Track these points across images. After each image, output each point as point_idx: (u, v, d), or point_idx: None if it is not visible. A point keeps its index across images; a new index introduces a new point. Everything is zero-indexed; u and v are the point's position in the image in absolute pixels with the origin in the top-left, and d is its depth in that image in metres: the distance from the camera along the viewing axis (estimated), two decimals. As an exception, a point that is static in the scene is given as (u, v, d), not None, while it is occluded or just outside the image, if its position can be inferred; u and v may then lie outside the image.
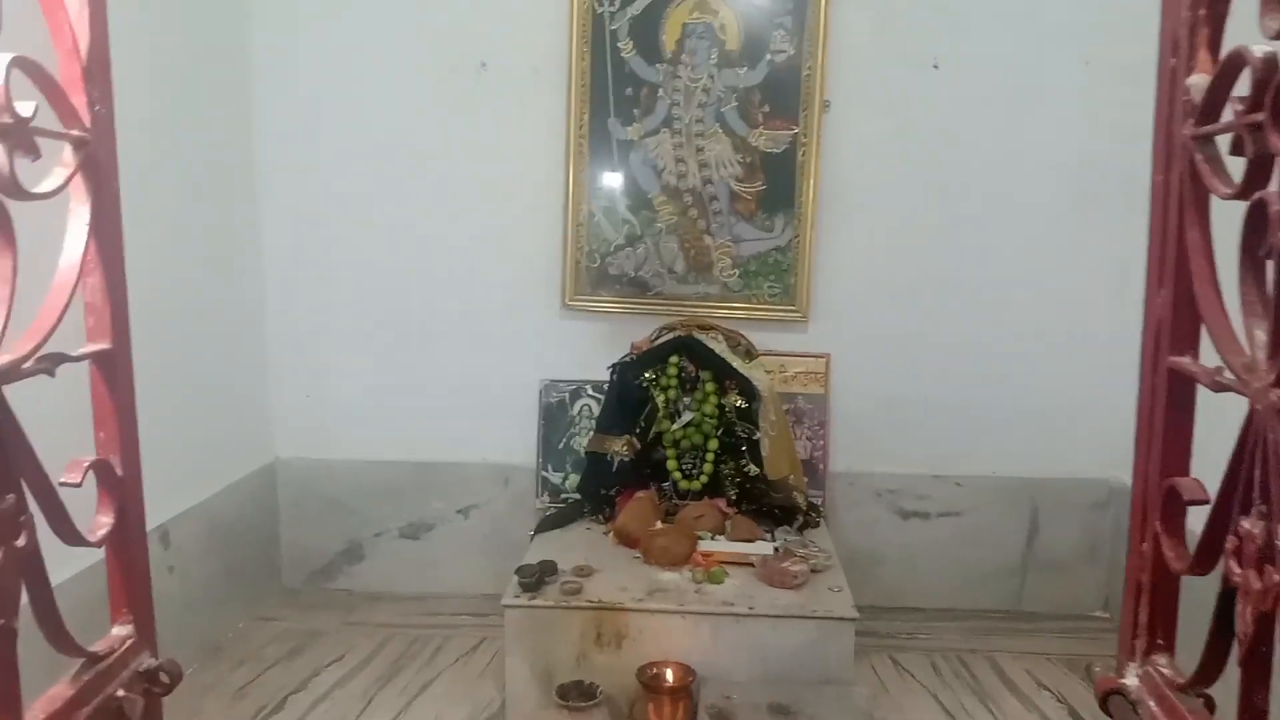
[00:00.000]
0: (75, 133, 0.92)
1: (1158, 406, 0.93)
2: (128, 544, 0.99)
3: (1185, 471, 0.93)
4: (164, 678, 0.99)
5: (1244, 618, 0.75)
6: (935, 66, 3.19)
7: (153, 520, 2.76)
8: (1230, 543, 0.77)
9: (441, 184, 3.33)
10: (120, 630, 0.99)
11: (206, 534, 3.03)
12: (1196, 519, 0.92)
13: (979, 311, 3.31)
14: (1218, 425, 0.98)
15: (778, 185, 3.26)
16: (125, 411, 0.99)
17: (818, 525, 3.16)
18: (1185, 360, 0.90)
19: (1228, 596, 0.79)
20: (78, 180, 0.93)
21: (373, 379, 3.44)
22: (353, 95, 3.30)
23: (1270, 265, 0.74)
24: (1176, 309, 0.91)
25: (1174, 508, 0.90)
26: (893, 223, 3.29)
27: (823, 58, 3.15)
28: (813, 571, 2.76)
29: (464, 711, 2.69)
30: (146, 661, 0.99)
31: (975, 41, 3.18)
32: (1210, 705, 0.92)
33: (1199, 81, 0.85)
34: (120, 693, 0.93)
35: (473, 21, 3.26)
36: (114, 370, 0.98)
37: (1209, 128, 0.84)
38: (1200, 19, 0.87)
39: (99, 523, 0.97)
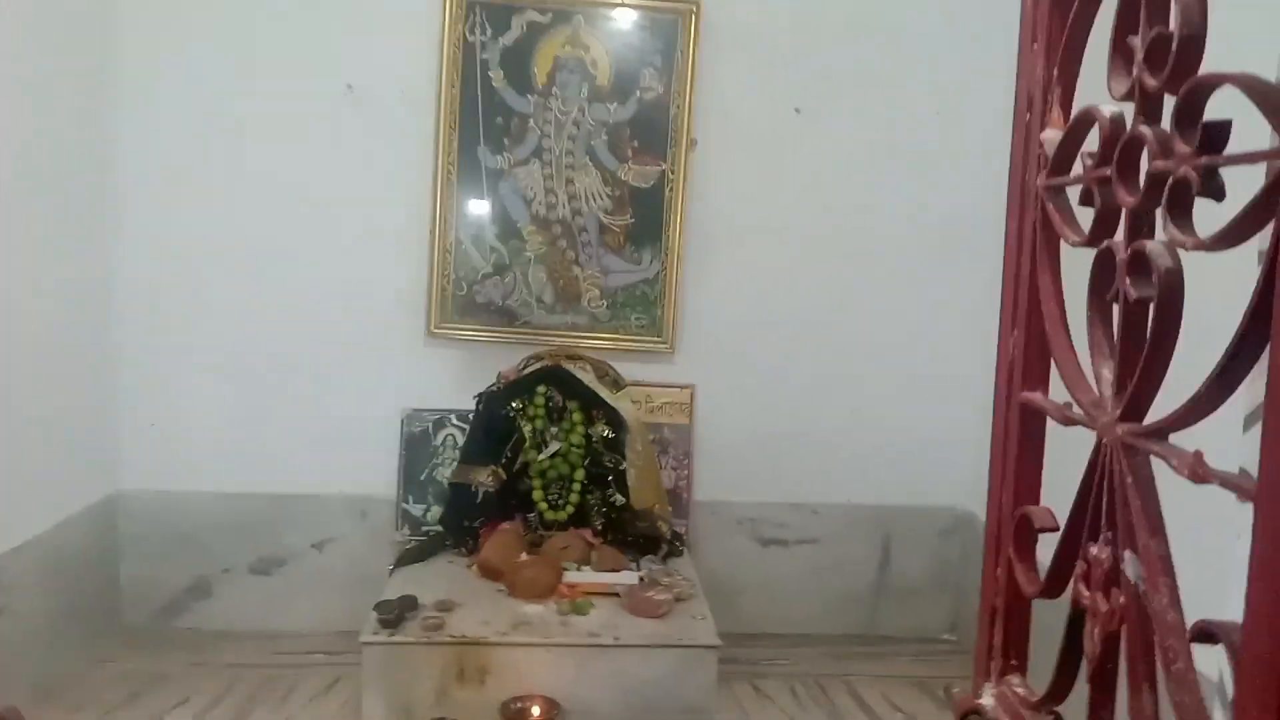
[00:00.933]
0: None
1: (1010, 439, 0.99)
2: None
3: (1036, 501, 0.99)
4: (5, 727, 0.92)
5: (1092, 637, 0.80)
6: (797, 111, 3.32)
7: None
8: (1079, 567, 0.83)
9: (304, 207, 3.25)
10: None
11: (40, 571, 2.83)
12: (1045, 547, 0.98)
13: (838, 347, 3.43)
14: (1064, 457, 1.05)
15: (646, 219, 3.32)
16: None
17: (681, 554, 3.19)
18: (1036, 396, 0.97)
19: (1077, 618, 0.85)
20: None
21: (226, 407, 3.30)
22: (215, 115, 3.18)
23: (1116, 309, 0.80)
24: (1028, 348, 0.98)
25: (1026, 535, 0.96)
26: (758, 260, 3.39)
27: (690, 97, 3.23)
28: (677, 600, 2.78)
29: (319, 754, 2.59)
30: (-14, 710, 0.92)
31: (836, 89, 3.32)
32: (1059, 721, 0.98)
33: (1052, 136, 0.92)
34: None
35: (340, 43, 3.20)
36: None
37: (1060, 179, 0.91)
38: (1053, 78, 0.94)
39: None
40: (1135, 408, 0.75)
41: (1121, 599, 0.75)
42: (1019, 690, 1.00)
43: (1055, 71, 0.92)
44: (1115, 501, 0.77)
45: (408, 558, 3.09)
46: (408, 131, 3.23)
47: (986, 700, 1.03)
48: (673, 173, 3.28)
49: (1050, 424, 0.99)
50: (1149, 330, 0.72)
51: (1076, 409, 0.86)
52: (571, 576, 2.86)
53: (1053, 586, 0.89)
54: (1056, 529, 0.90)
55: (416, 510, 3.34)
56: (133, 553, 3.30)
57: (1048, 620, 1.10)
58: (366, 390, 3.33)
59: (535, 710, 2.48)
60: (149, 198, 3.20)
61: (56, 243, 2.94)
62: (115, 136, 3.16)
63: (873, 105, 3.34)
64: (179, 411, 3.29)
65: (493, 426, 3.14)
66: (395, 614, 2.61)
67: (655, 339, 3.37)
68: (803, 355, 3.43)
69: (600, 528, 3.14)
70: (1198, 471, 0.66)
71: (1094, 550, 0.80)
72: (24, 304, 2.76)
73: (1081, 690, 0.91)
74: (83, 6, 3.04)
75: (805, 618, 3.48)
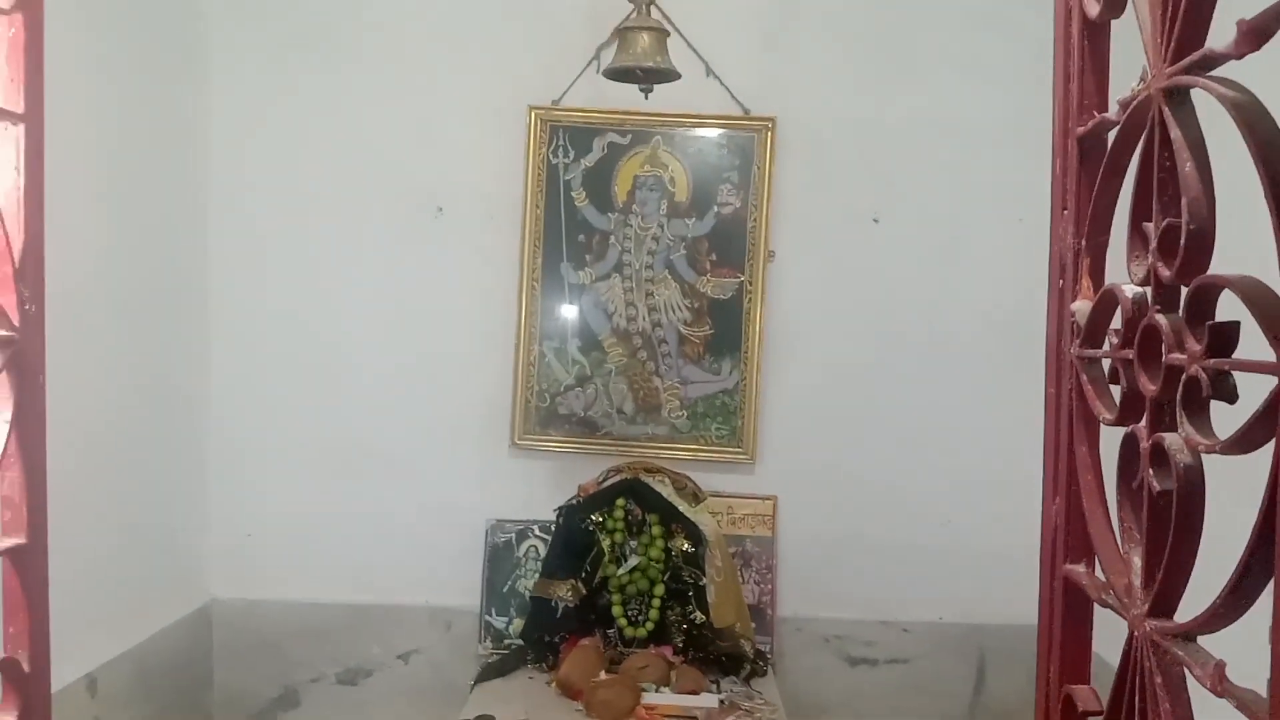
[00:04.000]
0: (3, 332, 0.94)
1: (1055, 612, 0.95)
2: (29, 746, 0.97)
3: (1085, 677, 0.95)
4: None
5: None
6: (875, 221, 3.32)
7: (81, 668, 2.69)
8: (1119, 765, 0.79)
9: (394, 321, 3.37)
10: (14, 839, 0.96)
11: (136, 680, 2.92)
12: None
13: (920, 454, 3.36)
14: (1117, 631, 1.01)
15: (725, 330, 3.34)
16: (38, 607, 0.98)
17: (765, 674, 3.12)
18: (1079, 570, 0.93)
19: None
20: (2, 378, 0.94)
21: (315, 517, 3.39)
22: (307, 233, 3.35)
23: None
24: (1070, 518, 0.95)
25: (1071, 715, 0.92)
26: (836, 367, 3.36)
27: (767, 210, 3.27)
28: (757, 726, 2.72)
29: None
30: None
31: (912, 198, 3.32)
32: None
33: (1082, 307, 0.91)
34: None
35: (430, 167, 3.34)
36: (28, 566, 0.97)
37: (1092, 351, 0.89)
38: (1083, 247, 0.93)
39: (-2, 725, 0.95)
40: (1163, 604, 0.72)
41: (1157, 809, 0.71)
42: None
43: (1083, 241, 0.91)
44: (1147, 698, 0.74)
45: (489, 672, 3.09)
46: (494, 249, 3.34)
47: None
48: (750, 284, 3.31)
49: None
50: (1171, 525, 0.70)
51: (1111, 595, 0.83)
52: (650, 698, 2.82)
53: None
54: (1101, 713, 0.86)
55: (499, 623, 3.35)
56: (224, 660, 3.39)
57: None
58: (452, 500, 3.38)
59: (608, 841, 2.43)
60: (239, 309, 3.36)
61: (149, 354, 3.09)
62: (206, 247, 3.34)
63: (946, 211, 3.32)
64: (271, 521, 3.39)
65: (572, 540, 3.16)
66: (473, 736, 2.62)
67: (736, 449, 3.36)
68: (885, 461, 3.36)
69: (681, 645, 3.10)
70: (1218, 685, 0.63)
71: (1131, 751, 0.76)
72: (127, 420, 2.92)
73: None
74: (174, 120, 3.22)
75: (895, 741, 3.34)
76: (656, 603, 3.12)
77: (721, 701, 2.81)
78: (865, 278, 3.34)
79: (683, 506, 3.13)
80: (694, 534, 3.11)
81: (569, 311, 3.36)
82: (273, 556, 3.40)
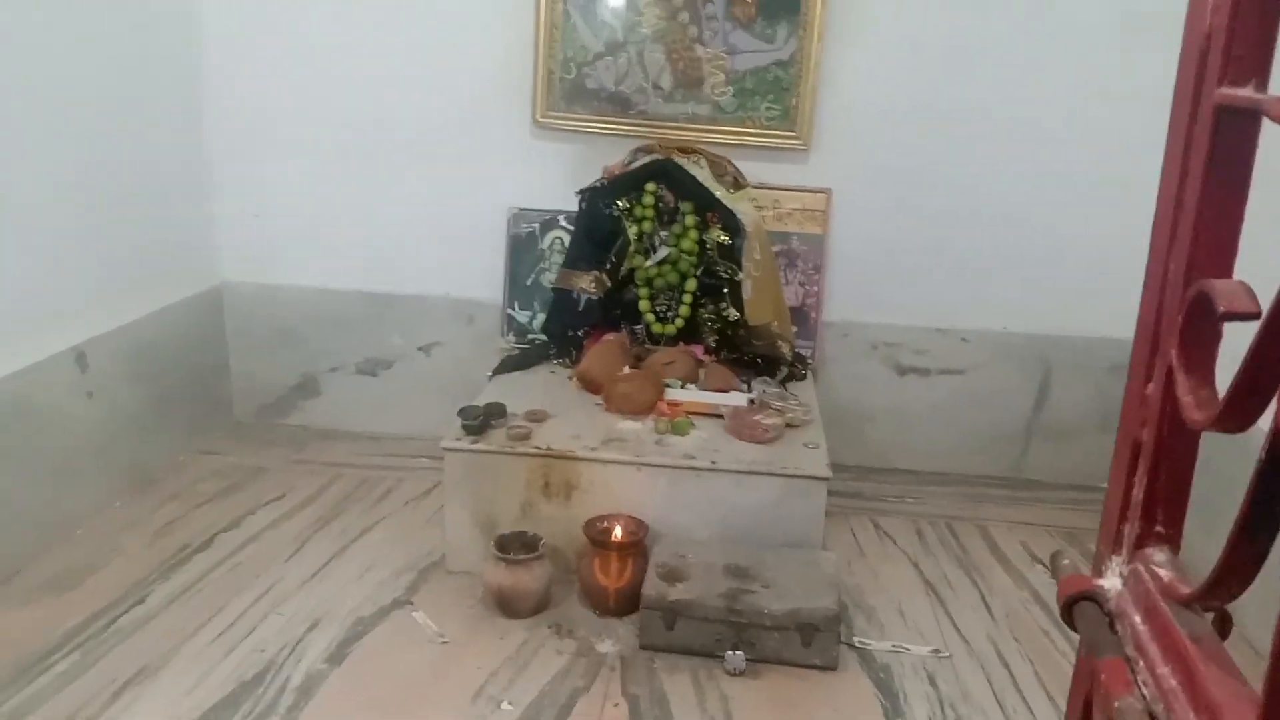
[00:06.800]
0: None
1: (1194, 166, 0.60)
2: None
3: (1227, 270, 0.60)
4: None
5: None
6: None
7: (65, 340, 2.52)
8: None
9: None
10: None
11: (136, 359, 2.78)
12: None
13: (1000, 149, 2.91)
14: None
15: (782, -12, 2.84)
16: None
17: (804, 378, 2.87)
18: (1247, 91, 0.57)
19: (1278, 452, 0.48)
20: None
21: (327, 201, 3.12)
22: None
23: None
24: (1237, 18, 0.57)
25: (1201, 327, 0.58)
26: (911, 41, 2.86)
27: None
28: (788, 426, 2.48)
29: (401, 560, 2.48)
30: None
31: None
32: (1225, 624, 0.63)
33: None
34: None
35: None
36: None
37: None
38: None
39: None
40: None
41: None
42: (1163, 572, 0.64)
43: None
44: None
45: (508, 365, 2.90)
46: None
47: (1110, 582, 0.68)
48: (815, -69, 2.77)
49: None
50: None
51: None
52: (674, 394, 2.59)
53: (1240, 407, 0.52)
54: (1257, 314, 0.52)
55: (522, 317, 3.12)
56: (240, 346, 3.24)
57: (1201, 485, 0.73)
58: (470, 186, 3.07)
59: (617, 531, 2.26)
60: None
61: (142, 23, 2.78)
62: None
63: None
64: (281, 204, 3.14)
65: (596, 228, 2.84)
66: (479, 420, 2.43)
67: (787, 133, 2.94)
68: (958, 156, 2.93)
69: (713, 344, 2.85)
70: None
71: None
72: (115, 84, 2.65)
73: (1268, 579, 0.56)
74: None
75: (942, 455, 3.11)
76: (687, 298, 2.84)
77: (751, 401, 2.56)
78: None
79: (720, 193, 2.77)
80: (731, 224, 2.77)
81: (600, -36, 2.87)
82: (285, 241, 3.16)
